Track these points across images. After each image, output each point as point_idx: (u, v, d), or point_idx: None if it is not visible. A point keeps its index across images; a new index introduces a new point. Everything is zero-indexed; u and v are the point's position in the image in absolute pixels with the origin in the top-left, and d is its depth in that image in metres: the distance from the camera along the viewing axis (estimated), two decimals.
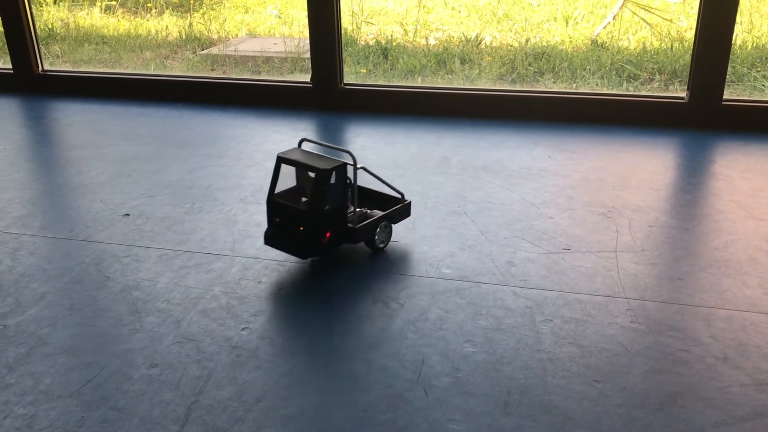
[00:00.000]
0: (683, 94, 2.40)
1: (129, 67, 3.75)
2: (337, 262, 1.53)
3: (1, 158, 2.18)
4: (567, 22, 3.94)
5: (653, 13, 3.79)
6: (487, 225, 1.69)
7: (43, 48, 3.04)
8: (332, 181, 1.42)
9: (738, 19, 2.26)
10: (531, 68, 3.42)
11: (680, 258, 1.53)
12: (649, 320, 1.31)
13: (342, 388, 1.14)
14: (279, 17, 4.46)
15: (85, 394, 1.13)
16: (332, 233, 1.45)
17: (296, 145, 1.59)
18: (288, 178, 1.54)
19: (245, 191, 1.90)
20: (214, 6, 4.62)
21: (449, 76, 3.41)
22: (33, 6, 2.87)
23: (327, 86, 2.61)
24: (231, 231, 1.67)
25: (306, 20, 2.54)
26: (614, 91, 3.06)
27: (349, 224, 1.48)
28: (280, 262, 1.52)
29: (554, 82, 3.30)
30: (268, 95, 2.70)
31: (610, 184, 1.92)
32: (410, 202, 1.61)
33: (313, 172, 1.42)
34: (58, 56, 3.91)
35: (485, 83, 3.32)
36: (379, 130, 2.39)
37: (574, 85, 3.26)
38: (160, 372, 1.18)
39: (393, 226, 1.62)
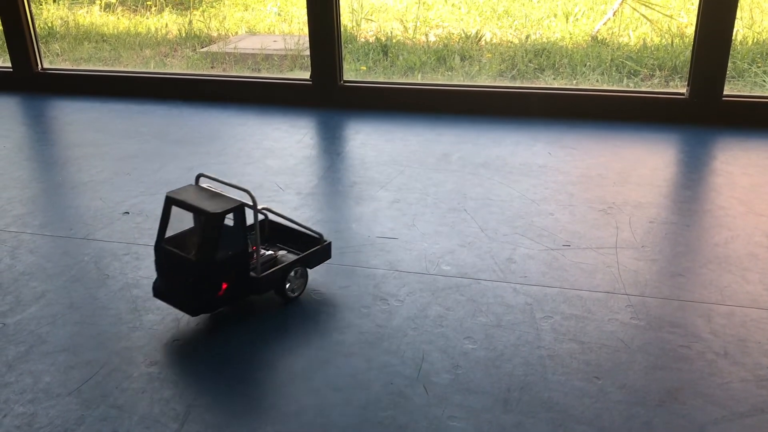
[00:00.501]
0: (683, 90, 2.39)
1: (129, 65, 3.75)
2: (336, 259, 1.53)
3: (1, 157, 2.18)
4: (567, 19, 3.94)
5: (653, 9, 3.79)
6: (487, 222, 1.68)
7: (42, 46, 3.04)
8: (231, 223, 1.25)
9: (738, 14, 2.25)
10: (531, 65, 3.42)
11: (681, 254, 1.53)
12: (649, 316, 1.30)
13: (342, 386, 1.14)
14: (279, 14, 4.46)
15: (85, 392, 1.13)
16: (230, 284, 1.27)
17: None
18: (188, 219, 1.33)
19: None
20: (214, 3, 4.61)
21: (449, 73, 3.41)
22: (32, 4, 2.86)
23: (327, 83, 2.60)
24: None
25: (306, 17, 2.54)
26: (614, 88, 3.06)
27: (252, 273, 1.30)
28: None
29: (554, 79, 3.30)
30: (268, 92, 2.70)
31: (611, 181, 1.91)
32: (330, 243, 1.42)
33: (202, 215, 1.22)
34: (57, 54, 3.91)
35: (485, 80, 3.31)
36: (379, 127, 2.38)
37: (575, 82, 3.25)
38: (159, 370, 1.18)
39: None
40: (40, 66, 2.91)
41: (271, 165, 2.06)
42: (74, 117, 2.57)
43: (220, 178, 1.34)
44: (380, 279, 1.44)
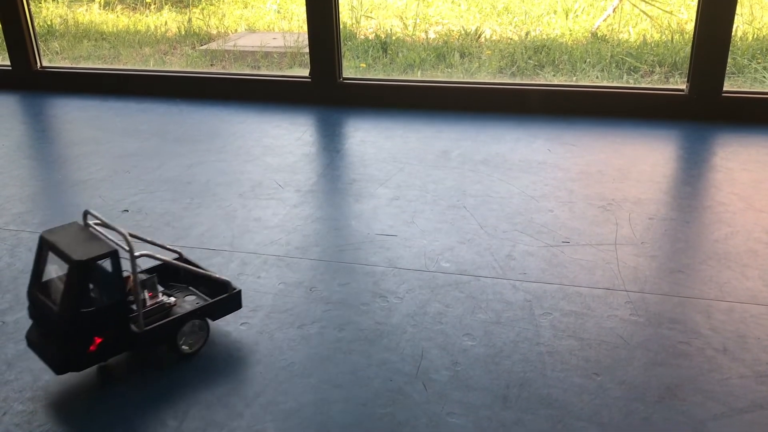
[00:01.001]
0: (683, 87, 2.39)
1: (128, 63, 3.75)
2: (336, 256, 1.53)
3: (1, 155, 2.18)
4: (567, 15, 3.93)
5: (653, 5, 3.78)
6: (487, 218, 1.68)
7: (42, 44, 3.03)
8: (109, 270, 1.10)
9: (738, 10, 2.25)
10: (531, 61, 3.42)
11: (680, 250, 1.53)
12: (648, 313, 1.30)
13: (341, 383, 1.14)
14: (278, 12, 4.46)
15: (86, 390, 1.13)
16: (105, 339, 1.12)
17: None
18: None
19: (244, 186, 1.89)
20: (213, 1, 4.61)
21: (449, 69, 3.41)
22: (32, 3, 2.86)
23: (326, 81, 2.60)
24: (230, 226, 1.67)
25: (305, 15, 2.53)
26: (614, 84, 3.06)
27: (133, 327, 1.14)
28: (279, 258, 1.52)
29: (554, 75, 3.29)
30: (268, 90, 2.70)
31: (610, 177, 1.91)
32: (239, 292, 1.25)
33: (67, 262, 1.08)
34: (57, 53, 3.90)
35: (485, 77, 3.31)
36: (379, 125, 2.38)
37: (574, 78, 3.25)
38: (161, 368, 1.18)
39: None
40: (39, 64, 2.91)
41: (270, 162, 2.06)
42: (73, 115, 2.57)
43: (104, 218, 1.18)
44: (379, 276, 1.44)
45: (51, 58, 3.78)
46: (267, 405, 1.09)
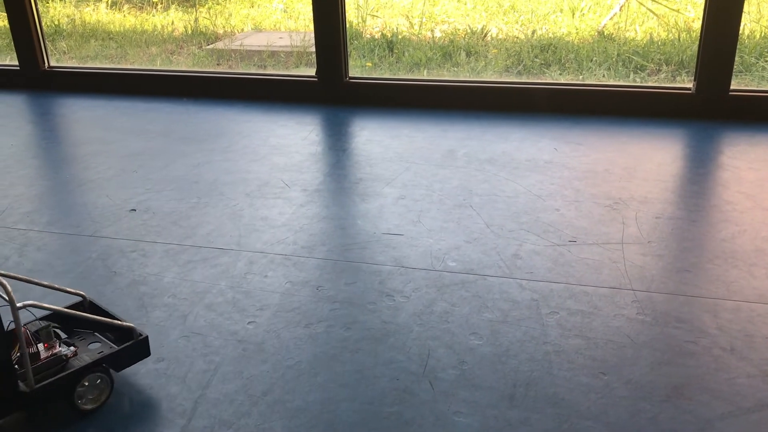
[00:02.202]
0: (690, 85, 2.38)
1: (135, 62, 3.76)
2: (342, 255, 1.53)
3: (9, 155, 2.19)
4: (573, 14, 3.92)
5: (660, 4, 3.77)
6: (493, 218, 1.68)
7: (49, 44, 3.05)
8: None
9: (746, 8, 2.24)
10: (537, 60, 3.41)
11: (687, 249, 1.52)
12: (655, 312, 1.30)
13: (348, 381, 1.14)
14: (284, 11, 4.46)
15: None
16: None
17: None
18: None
19: (251, 186, 1.90)
20: (220, 1, 4.62)
21: (455, 68, 3.40)
22: (39, 2, 2.87)
23: (332, 80, 2.60)
24: (237, 225, 1.68)
25: (311, 14, 2.54)
26: (621, 83, 3.05)
27: (21, 385, 1.02)
28: (285, 257, 1.53)
29: (560, 74, 3.29)
30: (274, 90, 2.70)
31: (617, 176, 1.91)
32: (146, 338, 1.13)
33: None
34: (64, 52, 3.92)
35: (491, 76, 3.31)
36: (385, 124, 2.38)
37: (581, 77, 3.24)
38: (166, 366, 1.19)
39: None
40: (46, 64, 2.92)
41: (277, 162, 2.07)
42: (81, 115, 2.58)
43: None
44: (386, 275, 1.45)
45: (58, 57, 3.79)
46: (274, 403, 1.10)
